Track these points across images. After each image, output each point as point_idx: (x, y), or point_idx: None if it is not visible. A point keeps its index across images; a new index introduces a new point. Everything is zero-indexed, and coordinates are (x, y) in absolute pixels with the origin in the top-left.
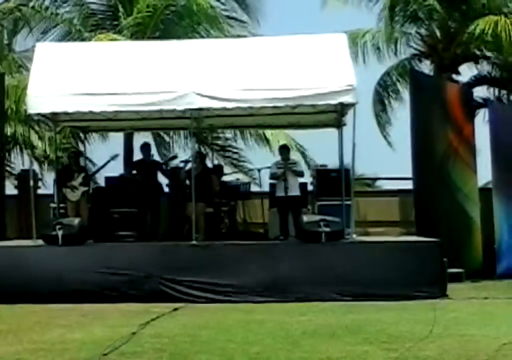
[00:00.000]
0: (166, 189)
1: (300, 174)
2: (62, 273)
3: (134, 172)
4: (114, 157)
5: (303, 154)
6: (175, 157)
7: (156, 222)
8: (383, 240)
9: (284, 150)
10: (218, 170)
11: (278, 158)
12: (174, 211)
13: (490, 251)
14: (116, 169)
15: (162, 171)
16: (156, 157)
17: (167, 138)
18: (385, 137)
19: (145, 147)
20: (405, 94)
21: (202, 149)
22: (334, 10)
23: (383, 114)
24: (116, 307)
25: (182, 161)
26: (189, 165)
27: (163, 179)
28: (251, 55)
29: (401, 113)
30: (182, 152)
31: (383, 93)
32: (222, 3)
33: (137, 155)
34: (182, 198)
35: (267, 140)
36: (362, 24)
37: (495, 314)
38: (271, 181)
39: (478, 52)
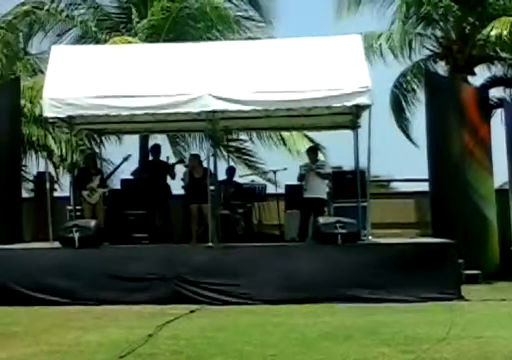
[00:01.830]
0: (179, 191)
1: (325, 176)
2: (77, 275)
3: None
4: (127, 158)
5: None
6: (182, 161)
7: (167, 223)
8: (399, 242)
9: (311, 152)
10: (230, 171)
11: (295, 159)
12: (187, 213)
13: (507, 252)
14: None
15: (170, 172)
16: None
17: (182, 141)
18: (408, 137)
19: (155, 149)
20: (421, 95)
21: (218, 151)
22: (347, 16)
23: (400, 115)
24: (132, 309)
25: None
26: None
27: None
28: (266, 57)
29: (417, 114)
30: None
31: (399, 95)
32: (236, 5)
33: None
34: (187, 200)
35: (284, 142)
36: (376, 27)
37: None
38: (290, 182)
39: (493, 53)
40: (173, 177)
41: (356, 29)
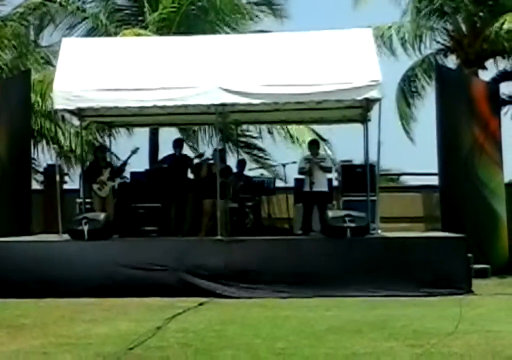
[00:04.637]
0: None
1: (328, 170)
2: (87, 268)
3: (165, 166)
4: (135, 151)
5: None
6: (202, 154)
7: (181, 217)
8: (408, 236)
9: (314, 145)
10: (241, 165)
11: (303, 153)
12: (197, 207)
13: None
14: (141, 164)
15: (191, 166)
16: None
17: (191, 134)
18: (407, 132)
19: (178, 142)
20: (429, 89)
21: (227, 145)
22: (361, 5)
23: (407, 109)
24: (141, 302)
25: (203, 159)
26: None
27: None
28: (276, 50)
29: (425, 108)
30: (206, 148)
31: (407, 88)
32: None
33: (162, 150)
34: (201, 194)
35: (291, 136)
36: (389, 18)
37: None
38: (299, 176)
39: (506, 46)
40: (194, 172)
41: (372, 19)
